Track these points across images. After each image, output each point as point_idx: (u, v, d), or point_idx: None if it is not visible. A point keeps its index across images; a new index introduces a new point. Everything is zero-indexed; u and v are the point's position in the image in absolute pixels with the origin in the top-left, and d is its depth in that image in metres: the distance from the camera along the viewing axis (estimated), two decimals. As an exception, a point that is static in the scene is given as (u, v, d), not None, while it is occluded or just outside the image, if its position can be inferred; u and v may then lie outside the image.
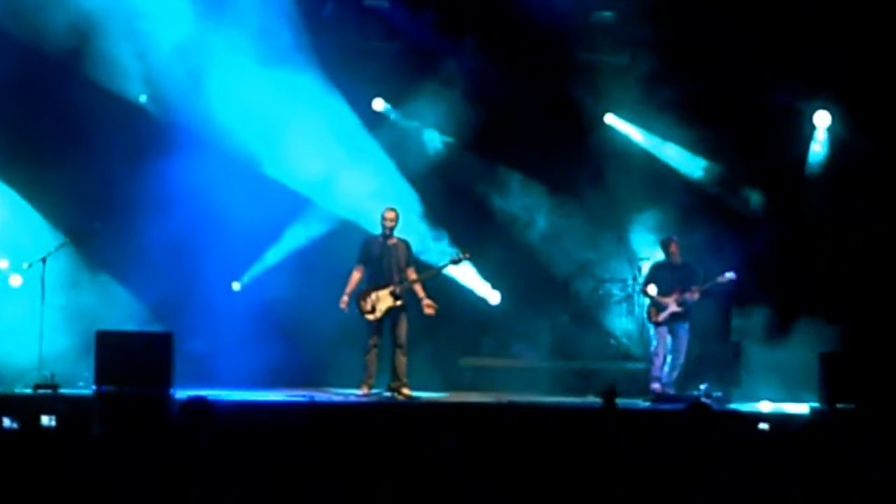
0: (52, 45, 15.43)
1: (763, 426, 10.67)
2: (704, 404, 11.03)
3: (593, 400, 15.18)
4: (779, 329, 16.12)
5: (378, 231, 15.09)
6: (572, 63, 17.02)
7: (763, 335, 16.09)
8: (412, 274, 14.92)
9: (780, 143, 17.01)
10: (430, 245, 16.81)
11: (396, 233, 15.02)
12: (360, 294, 14.81)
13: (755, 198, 17.19)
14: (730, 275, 15.46)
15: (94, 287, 15.76)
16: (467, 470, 6.82)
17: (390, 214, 14.99)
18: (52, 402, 12.58)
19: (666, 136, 17.42)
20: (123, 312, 15.53)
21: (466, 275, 17.04)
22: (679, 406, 13.70)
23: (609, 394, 10.34)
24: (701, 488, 6.65)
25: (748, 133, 16.80)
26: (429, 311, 14.93)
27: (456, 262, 15.49)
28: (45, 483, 6.24)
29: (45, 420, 10.35)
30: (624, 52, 16.95)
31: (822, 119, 17.13)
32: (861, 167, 16.69)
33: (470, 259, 15.68)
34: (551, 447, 7.67)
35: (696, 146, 17.28)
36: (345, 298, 14.79)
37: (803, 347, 15.56)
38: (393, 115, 17.53)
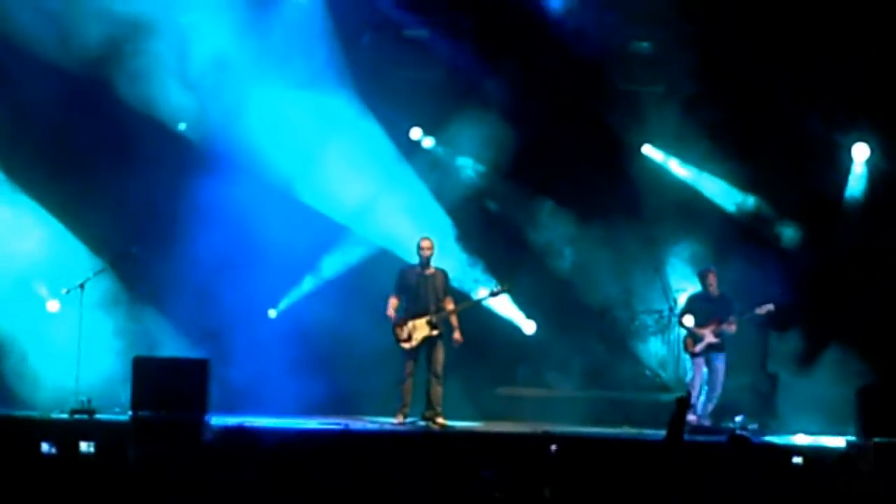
0: (92, 69, 15.57)
1: (797, 460, 10.59)
2: (745, 437, 10.98)
3: (628, 430, 15.14)
4: (815, 361, 16.02)
5: (414, 260, 15.13)
6: (610, 92, 16.98)
7: (799, 367, 16.01)
8: (450, 304, 14.94)
9: (818, 176, 16.89)
10: (465, 273, 16.82)
11: (433, 262, 15.03)
12: (397, 322, 14.83)
13: (790, 231, 17.09)
14: (767, 306, 15.40)
15: (131, 313, 15.83)
16: (505, 501, 6.80)
17: (427, 243, 15.01)
18: (89, 428, 12.64)
19: (703, 167, 17.35)
20: (160, 338, 15.60)
21: (502, 304, 17.01)
22: (716, 438, 13.68)
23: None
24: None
25: (785, 165, 16.72)
26: (456, 342, 14.93)
27: (495, 294, 15.53)
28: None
29: (84, 446, 10.34)
30: (661, 83, 16.90)
31: (860, 151, 17.03)
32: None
33: (509, 292, 15.72)
34: (588, 478, 7.64)
35: (733, 177, 17.19)
36: (391, 311, 14.78)
37: (839, 380, 15.49)
38: (430, 144, 17.56)
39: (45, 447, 8.91)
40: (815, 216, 17.01)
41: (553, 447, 11.25)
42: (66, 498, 6.33)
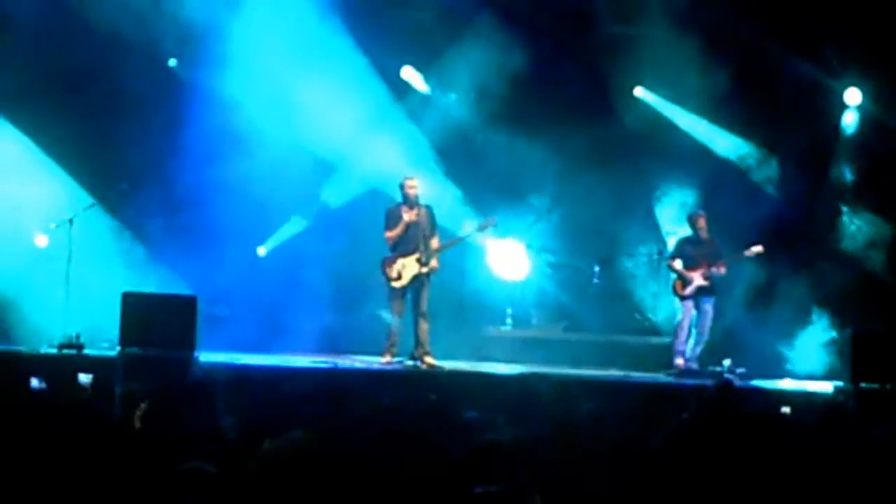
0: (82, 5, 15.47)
1: (785, 409, 10.65)
2: (730, 382, 11.01)
3: (615, 373, 15.20)
4: (804, 307, 16.07)
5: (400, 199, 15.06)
6: (602, 34, 16.91)
7: (788, 312, 16.06)
8: (436, 242, 14.89)
9: (811, 120, 16.87)
10: (455, 213, 16.80)
11: (420, 200, 14.98)
12: (386, 261, 14.79)
13: (781, 175, 17.09)
14: (757, 248, 15.40)
15: (120, 248, 15.82)
16: (488, 441, 6.79)
17: (413, 182, 14.92)
18: (77, 363, 12.64)
19: (695, 111, 17.32)
20: (149, 274, 15.59)
21: (492, 244, 17.01)
22: (702, 381, 13.73)
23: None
24: (721, 467, 6.63)
25: (777, 109, 16.70)
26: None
27: (482, 228, 15.47)
28: (80, 440, 6.26)
29: (83, 378, 10.36)
30: (655, 26, 16.79)
31: (852, 96, 16.99)
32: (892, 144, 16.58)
33: (496, 225, 15.64)
34: (576, 419, 7.65)
35: (725, 121, 17.17)
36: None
37: (826, 325, 15.57)
38: (420, 82, 17.51)
39: (34, 382, 8.91)
40: (807, 160, 17.00)
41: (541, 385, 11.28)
42: (54, 433, 6.32)
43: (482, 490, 5.57)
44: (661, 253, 16.27)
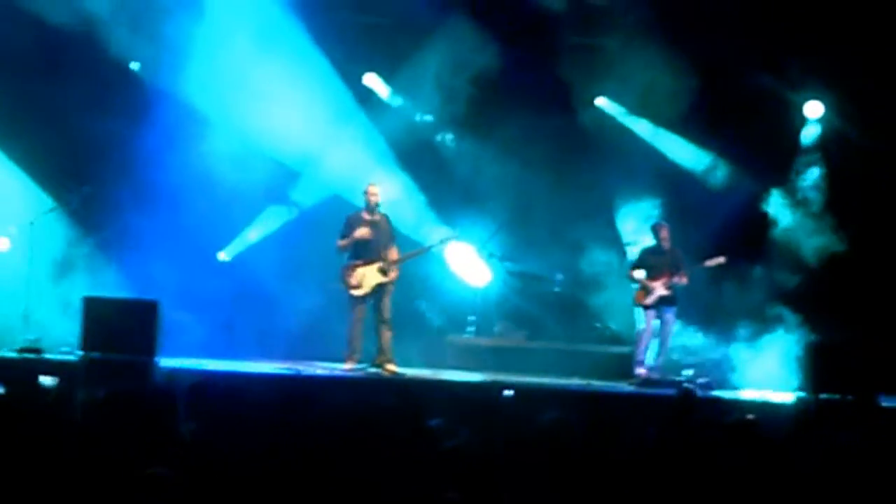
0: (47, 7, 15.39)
1: (749, 417, 10.68)
2: (691, 390, 11.06)
3: (578, 382, 15.22)
4: (764, 318, 16.13)
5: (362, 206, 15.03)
6: (564, 45, 16.93)
7: (749, 323, 16.11)
8: (394, 252, 14.85)
9: (772, 132, 16.94)
10: (417, 220, 16.82)
11: (381, 207, 14.96)
12: (347, 269, 14.77)
13: (742, 186, 17.16)
14: (718, 259, 15.47)
15: (81, 252, 15.74)
16: (449, 449, 6.79)
17: (374, 189, 14.90)
18: (37, 367, 12.55)
19: (656, 122, 17.39)
20: (110, 279, 15.51)
21: (455, 253, 17.02)
22: (665, 391, 13.77)
23: None
24: (686, 477, 6.65)
25: (739, 121, 16.74)
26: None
27: (444, 240, 15.51)
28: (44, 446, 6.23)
29: (47, 381, 10.27)
30: (616, 37, 16.83)
31: (813, 109, 17.10)
32: (854, 158, 16.67)
33: (458, 239, 15.68)
34: (537, 428, 7.65)
35: (687, 132, 17.25)
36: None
37: (785, 337, 15.64)
38: (383, 91, 17.53)
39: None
40: (767, 172, 17.07)
41: (509, 391, 11.33)
42: (15, 438, 6.29)
43: (452, 496, 5.58)
44: (623, 261, 16.30)
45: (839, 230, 16.48)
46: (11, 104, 15.74)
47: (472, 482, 6.12)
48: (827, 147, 17.09)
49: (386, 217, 14.98)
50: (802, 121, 17.21)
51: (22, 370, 12.51)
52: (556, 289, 17.50)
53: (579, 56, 16.83)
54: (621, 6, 16.70)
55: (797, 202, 16.95)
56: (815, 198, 16.86)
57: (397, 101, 17.64)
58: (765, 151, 16.92)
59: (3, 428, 6.45)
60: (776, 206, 16.96)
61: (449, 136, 17.60)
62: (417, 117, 17.59)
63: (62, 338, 14.12)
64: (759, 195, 17.04)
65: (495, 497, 6.00)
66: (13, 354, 13.48)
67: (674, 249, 15.65)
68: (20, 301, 14.49)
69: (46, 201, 15.51)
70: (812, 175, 17.01)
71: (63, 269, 15.44)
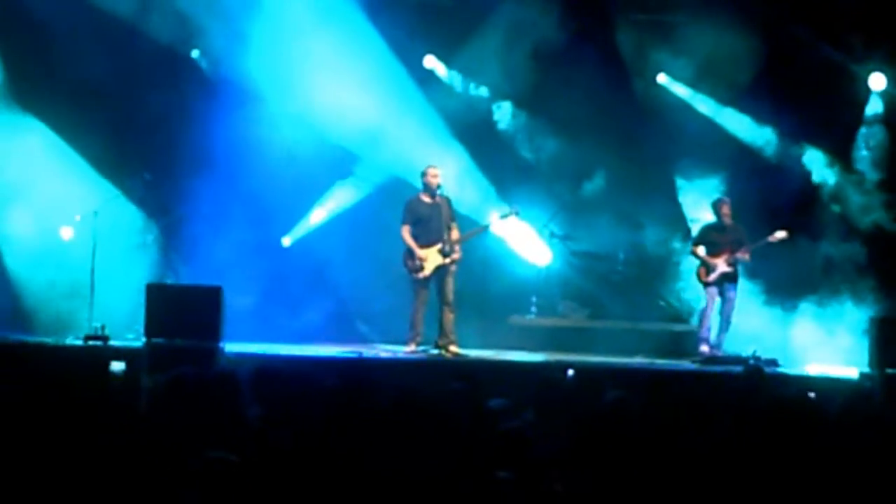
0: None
1: (810, 395, 10.59)
2: (760, 367, 11.00)
3: (641, 361, 15.19)
4: (829, 292, 16.02)
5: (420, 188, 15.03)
6: (626, 21, 16.87)
7: (814, 298, 16.01)
8: (455, 233, 14.85)
9: (836, 106, 16.80)
10: (478, 202, 16.81)
11: (442, 190, 14.97)
12: (408, 252, 14.78)
13: (807, 162, 17.03)
14: (781, 234, 15.34)
15: (145, 240, 15.86)
16: (509, 430, 6.79)
17: (434, 171, 14.87)
18: (104, 355, 12.68)
19: (719, 97, 17.28)
20: (173, 266, 15.62)
21: (515, 233, 17.01)
22: (728, 368, 13.71)
23: None
24: (752, 454, 6.60)
25: (803, 95, 16.61)
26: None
27: (504, 216, 15.48)
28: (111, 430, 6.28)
29: (115, 366, 10.38)
30: (678, 13, 16.74)
31: (877, 81, 16.93)
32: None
33: (518, 214, 15.63)
34: (599, 407, 7.62)
35: (750, 107, 17.12)
36: (420, 254, 14.70)
37: (853, 311, 15.52)
38: (443, 71, 17.53)
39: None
40: (832, 146, 16.92)
41: (570, 371, 11.29)
42: (83, 424, 6.34)
43: (504, 475, 5.57)
44: (686, 239, 16.21)
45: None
46: (74, 96, 15.86)
47: (529, 463, 6.12)
48: (890, 120, 16.92)
49: (447, 199, 14.97)
50: (867, 93, 17.04)
51: (89, 358, 12.61)
52: (619, 267, 17.46)
53: (641, 32, 16.78)
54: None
55: (860, 176, 16.80)
56: (878, 171, 16.70)
57: (457, 81, 17.63)
58: (828, 125, 16.79)
59: (70, 415, 6.51)
60: (839, 179, 16.84)
61: (509, 114, 17.55)
62: (477, 96, 17.57)
63: (128, 325, 14.28)
64: (822, 169, 16.91)
65: (551, 477, 5.99)
66: (80, 342, 13.60)
67: (736, 226, 15.55)
68: (86, 289, 14.61)
69: (110, 189, 15.61)
70: (875, 148, 16.85)
71: (128, 256, 15.54)
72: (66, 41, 15.63)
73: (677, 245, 16.85)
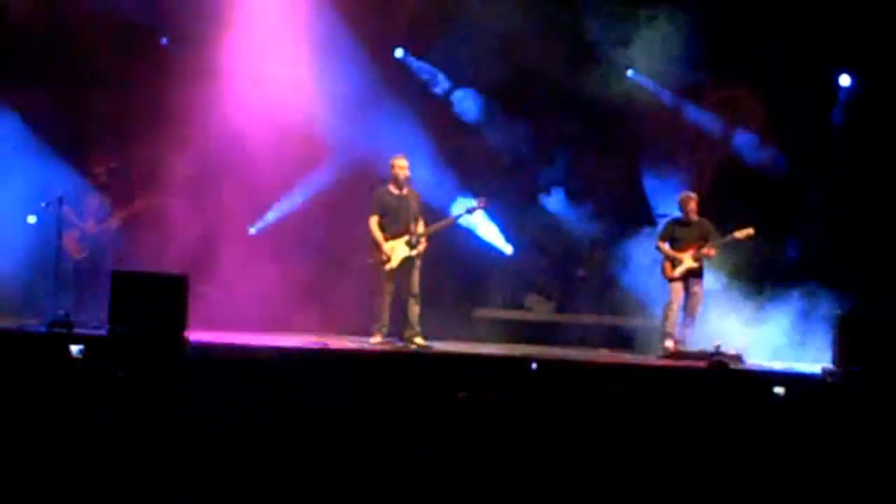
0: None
1: (778, 390, 10.65)
2: (723, 363, 11.04)
3: (606, 354, 15.22)
4: (794, 289, 16.08)
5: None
6: (596, 13, 16.87)
7: (779, 294, 16.08)
8: (421, 226, 14.84)
9: (804, 104, 16.85)
10: (443, 192, 16.79)
11: (409, 182, 14.94)
12: (375, 244, 14.76)
13: (773, 158, 17.09)
14: (747, 231, 15.38)
15: (109, 227, 15.78)
16: (480, 423, 6.82)
17: (403, 163, 14.88)
18: (66, 342, 12.60)
19: (687, 93, 17.31)
20: (139, 253, 15.55)
21: (481, 225, 17.03)
22: (693, 364, 13.76)
23: None
24: (712, 447, 6.65)
25: (770, 90, 16.65)
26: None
27: (471, 210, 15.47)
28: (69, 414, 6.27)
29: (75, 350, 10.34)
30: (651, 6, 16.75)
31: (845, 81, 17.04)
32: (884, 129, 16.58)
33: (484, 208, 15.62)
34: (564, 401, 7.66)
35: (718, 104, 17.16)
36: (386, 246, 14.68)
37: (817, 307, 15.59)
38: (412, 64, 17.51)
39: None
40: (800, 144, 16.98)
41: (533, 365, 11.33)
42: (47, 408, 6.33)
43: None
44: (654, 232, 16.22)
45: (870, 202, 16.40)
46: (38, 81, 15.77)
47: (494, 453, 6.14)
48: (858, 118, 17.00)
49: (415, 192, 14.96)
50: (836, 90, 17.14)
51: (52, 345, 12.54)
52: (581, 272, 17.52)
53: (611, 25, 16.78)
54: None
55: (829, 172, 16.87)
56: (846, 167, 16.77)
57: (427, 74, 17.61)
58: (798, 122, 16.84)
59: (32, 399, 6.49)
60: (808, 177, 16.93)
61: (476, 105, 17.56)
62: (446, 89, 17.56)
63: (91, 313, 14.22)
64: (791, 166, 16.98)
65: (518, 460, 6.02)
66: (43, 329, 13.52)
67: (701, 221, 15.58)
68: (49, 276, 14.55)
69: (73, 177, 15.56)
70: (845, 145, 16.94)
71: (92, 243, 15.47)
72: (33, 26, 15.59)
73: (642, 239, 16.84)
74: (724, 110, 17.08)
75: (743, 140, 17.22)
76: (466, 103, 17.55)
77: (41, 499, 5.49)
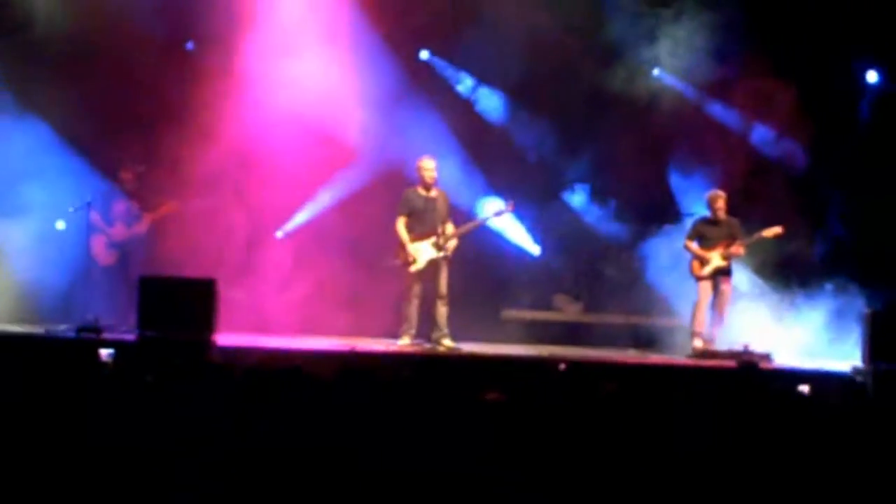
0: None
1: (803, 388, 10.60)
2: (753, 363, 10.99)
3: (634, 354, 15.20)
4: (823, 286, 16.02)
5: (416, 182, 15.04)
6: (621, 13, 16.84)
7: (806, 292, 16.02)
8: (450, 228, 14.86)
9: (829, 100, 16.78)
10: (471, 194, 16.79)
11: (437, 183, 14.97)
12: (401, 245, 14.78)
13: (799, 156, 17.03)
14: (776, 229, 15.35)
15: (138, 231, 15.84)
16: (509, 424, 6.80)
17: (430, 164, 14.92)
18: (96, 347, 12.66)
19: (712, 91, 17.25)
20: (167, 257, 15.59)
21: (508, 226, 17.02)
22: (721, 363, 13.72)
23: None
24: (747, 448, 6.62)
25: (795, 89, 16.57)
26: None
27: (499, 214, 15.49)
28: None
29: (104, 354, 10.38)
30: (673, 4, 16.71)
31: (872, 77, 16.97)
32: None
33: (512, 211, 15.63)
34: (594, 402, 7.63)
35: (742, 101, 17.10)
36: (412, 247, 14.71)
37: (846, 305, 15.53)
38: (438, 65, 17.51)
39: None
40: (825, 141, 16.90)
41: (562, 366, 11.30)
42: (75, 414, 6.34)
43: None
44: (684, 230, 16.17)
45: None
46: (64, 87, 15.83)
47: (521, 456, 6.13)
48: (885, 114, 16.93)
49: (444, 193, 15.00)
50: (862, 87, 17.08)
51: (81, 350, 12.59)
52: (613, 261, 17.47)
53: (636, 25, 16.74)
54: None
55: (852, 170, 16.79)
56: (872, 166, 16.69)
57: (451, 74, 17.61)
58: (823, 119, 16.76)
59: (61, 405, 6.51)
60: (833, 175, 16.85)
61: (502, 106, 17.56)
62: (470, 88, 17.57)
63: (120, 318, 14.28)
64: (817, 164, 16.91)
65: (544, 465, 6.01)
66: (73, 334, 13.59)
67: (729, 219, 15.54)
68: (79, 281, 14.62)
69: (102, 182, 15.64)
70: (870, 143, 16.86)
71: (120, 249, 15.52)
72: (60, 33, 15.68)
73: (669, 238, 16.78)
74: (751, 105, 16.98)
75: (769, 136, 17.16)
76: (491, 102, 17.55)
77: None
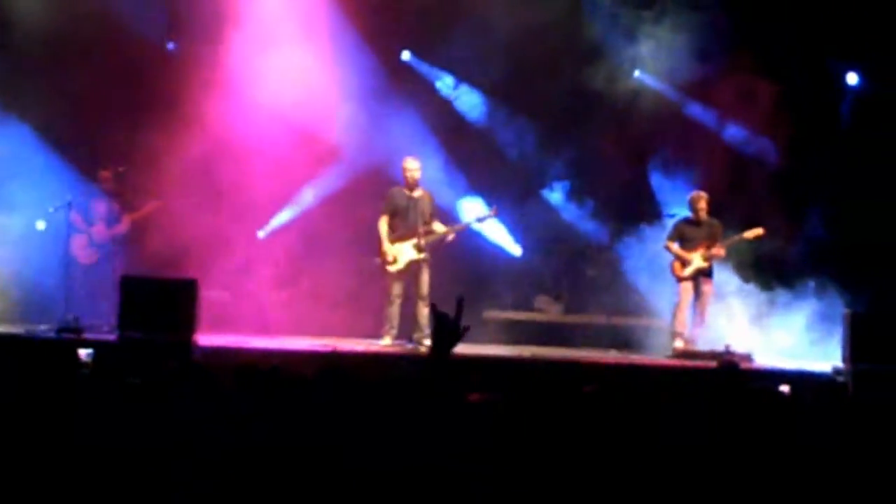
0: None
1: (784, 388, 10.62)
2: (734, 363, 11.00)
3: (615, 355, 15.21)
4: (803, 287, 16.06)
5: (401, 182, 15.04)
6: (602, 13, 16.86)
7: (787, 293, 16.06)
8: (440, 227, 14.88)
9: (809, 100, 16.83)
10: (453, 195, 16.80)
11: (420, 184, 14.97)
12: (383, 244, 14.77)
13: (779, 157, 17.07)
14: (757, 231, 15.39)
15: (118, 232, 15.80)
16: (490, 424, 6.79)
17: (413, 164, 14.92)
18: (76, 347, 12.62)
19: (692, 91, 17.29)
20: (148, 257, 15.56)
21: (490, 227, 17.01)
22: (703, 363, 13.74)
23: None
24: (729, 447, 6.62)
25: (774, 89, 16.62)
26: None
27: (482, 219, 15.51)
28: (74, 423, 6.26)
29: (83, 354, 10.33)
30: (654, 5, 16.75)
31: (851, 78, 17.03)
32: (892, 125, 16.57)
33: (496, 216, 15.65)
34: (576, 402, 7.63)
35: (722, 101, 17.14)
36: (390, 248, 14.70)
37: (826, 305, 15.57)
38: (419, 66, 17.51)
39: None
40: (806, 142, 16.95)
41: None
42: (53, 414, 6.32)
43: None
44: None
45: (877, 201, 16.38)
46: (44, 88, 15.80)
47: (505, 456, 6.12)
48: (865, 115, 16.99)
49: (429, 194, 15.00)
50: (842, 89, 17.13)
51: (61, 350, 12.55)
52: (594, 262, 17.49)
53: (616, 26, 16.78)
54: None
55: (833, 170, 16.85)
56: (854, 166, 16.74)
57: (432, 74, 17.63)
58: (802, 118, 16.82)
59: (38, 407, 6.48)
60: (815, 176, 16.90)
61: (484, 107, 17.57)
62: (451, 88, 17.58)
63: (101, 318, 14.24)
64: (799, 166, 16.95)
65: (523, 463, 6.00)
66: (53, 334, 13.55)
67: (711, 221, 15.57)
68: (59, 281, 14.58)
69: (82, 182, 15.60)
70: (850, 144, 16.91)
71: (101, 249, 15.48)
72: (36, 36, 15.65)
73: (651, 239, 16.81)
74: (731, 106, 17.02)
75: (746, 135, 17.20)
76: (471, 101, 17.56)
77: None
